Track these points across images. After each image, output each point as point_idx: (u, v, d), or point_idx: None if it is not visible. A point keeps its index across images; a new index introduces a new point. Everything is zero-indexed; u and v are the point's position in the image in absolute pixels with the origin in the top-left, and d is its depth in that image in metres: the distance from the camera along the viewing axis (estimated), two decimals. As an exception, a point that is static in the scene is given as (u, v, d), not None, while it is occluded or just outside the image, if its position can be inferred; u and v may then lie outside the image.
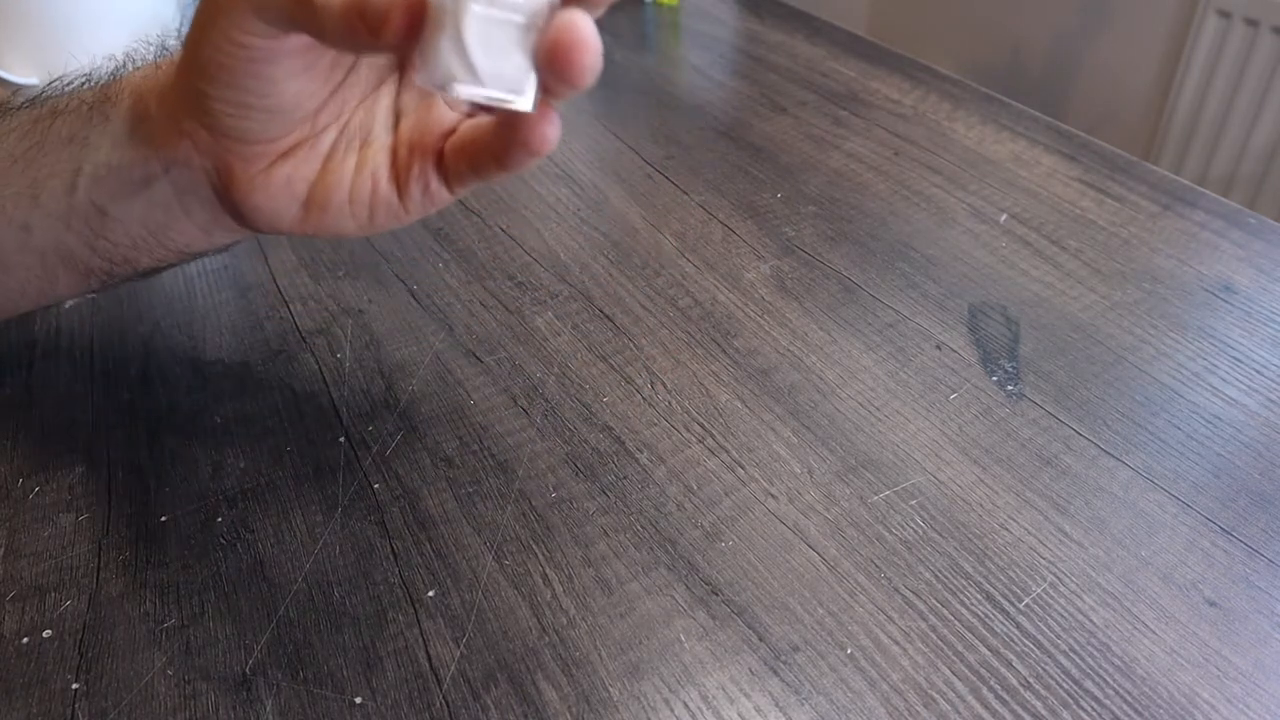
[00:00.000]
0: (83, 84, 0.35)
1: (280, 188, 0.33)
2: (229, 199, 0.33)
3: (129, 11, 0.65)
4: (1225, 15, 1.35)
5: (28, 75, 0.62)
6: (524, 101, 0.24)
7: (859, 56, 0.73)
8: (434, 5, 0.23)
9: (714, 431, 0.38)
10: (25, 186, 0.34)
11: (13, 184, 0.34)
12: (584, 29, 0.24)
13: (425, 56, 0.23)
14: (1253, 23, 1.32)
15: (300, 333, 0.44)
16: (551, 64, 0.24)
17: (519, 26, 0.23)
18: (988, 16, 1.74)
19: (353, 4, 0.24)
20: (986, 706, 0.28)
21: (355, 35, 0.25)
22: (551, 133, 0.27)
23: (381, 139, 0.33)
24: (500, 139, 0.29)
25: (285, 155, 0.32)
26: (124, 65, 0.34)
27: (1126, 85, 1.55)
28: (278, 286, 0.48)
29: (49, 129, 0.34)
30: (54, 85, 0.35)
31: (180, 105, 0.32)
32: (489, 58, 0.23)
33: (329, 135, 0.32)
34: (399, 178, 0.33)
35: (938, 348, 0.42)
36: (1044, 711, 0.28)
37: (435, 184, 0.33)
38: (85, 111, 0.33)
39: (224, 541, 0.34)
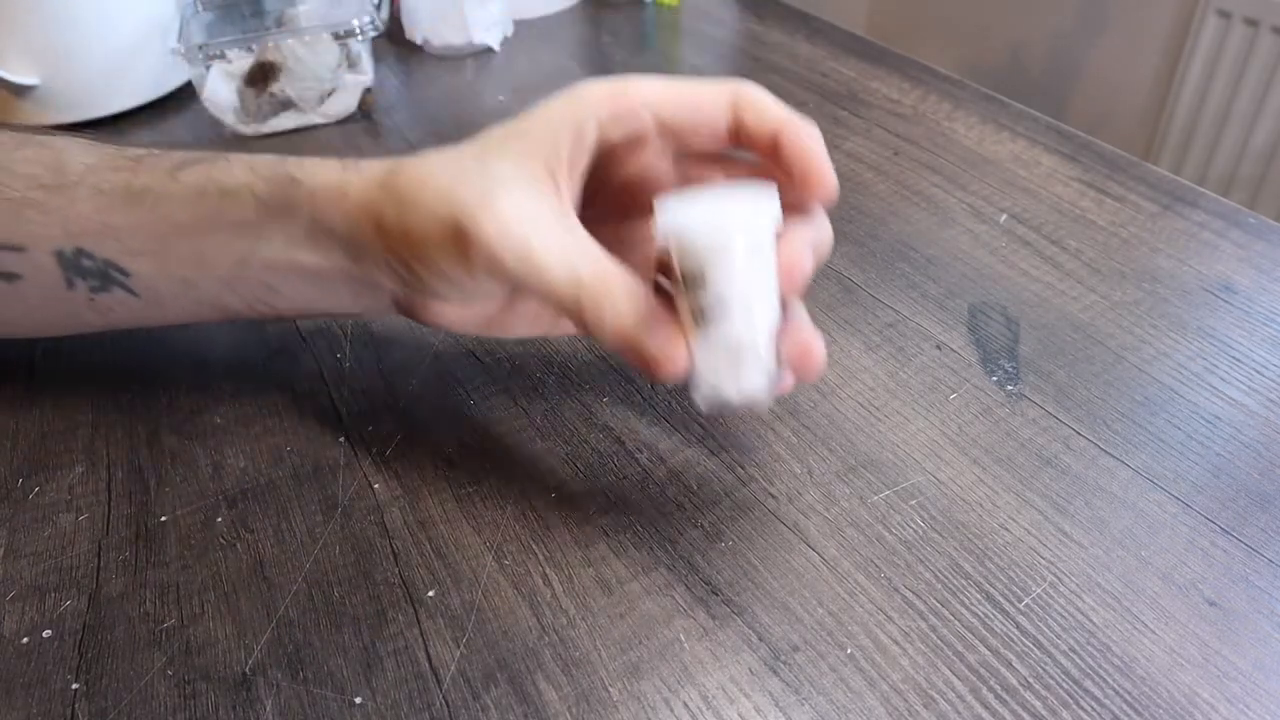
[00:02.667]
0: (245, 166, 0.35)
1: (473, 313, 0.35)
2: (413, 313, 0.35)
3: (128, 12, 0.65)
4: (1225, 15, 1.35)
5: (28, 75, 0.62)
6: (768, 399, 0.29)
7: (859, 56, 0.73)
8: (706, 340, 0.27)
9: (714, 432, 0.38)
10: (191, 253, 0.35)
11: (177, 249, 0.35)
12: (814, 345, 0.29)
13: (695, 382, 0.28)
14: (1253, 23, 1.32)
15: (300, 333, 0.44)
16: (798, 373, 0.29)
17: (769, 347, 0.28)
18: (988, 16, 1.74)
19: (631, 348, 0.28)
20: (986, 706, 0.28)
21: (632, 363, 0.29)
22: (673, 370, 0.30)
23: None
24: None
25: None
26: (294, 167, 0.34)
27: (1126, 85, 1.55)
28: (278, 286, 0.48)
29: (216, 208, 0.34)
30: (205, 154, 0.36)
31: (386, 266, 0.33)
32: (749, 374, 0.28)
33: None
34: None
35: (938, 348, 0.42)
36: (1044, 711, 0.28)
37: None
38: (256, 205, 0.34)
39: (224, 541, 0.34)
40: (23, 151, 0.35)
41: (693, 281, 0.27)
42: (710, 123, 0.31)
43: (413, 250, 0.31)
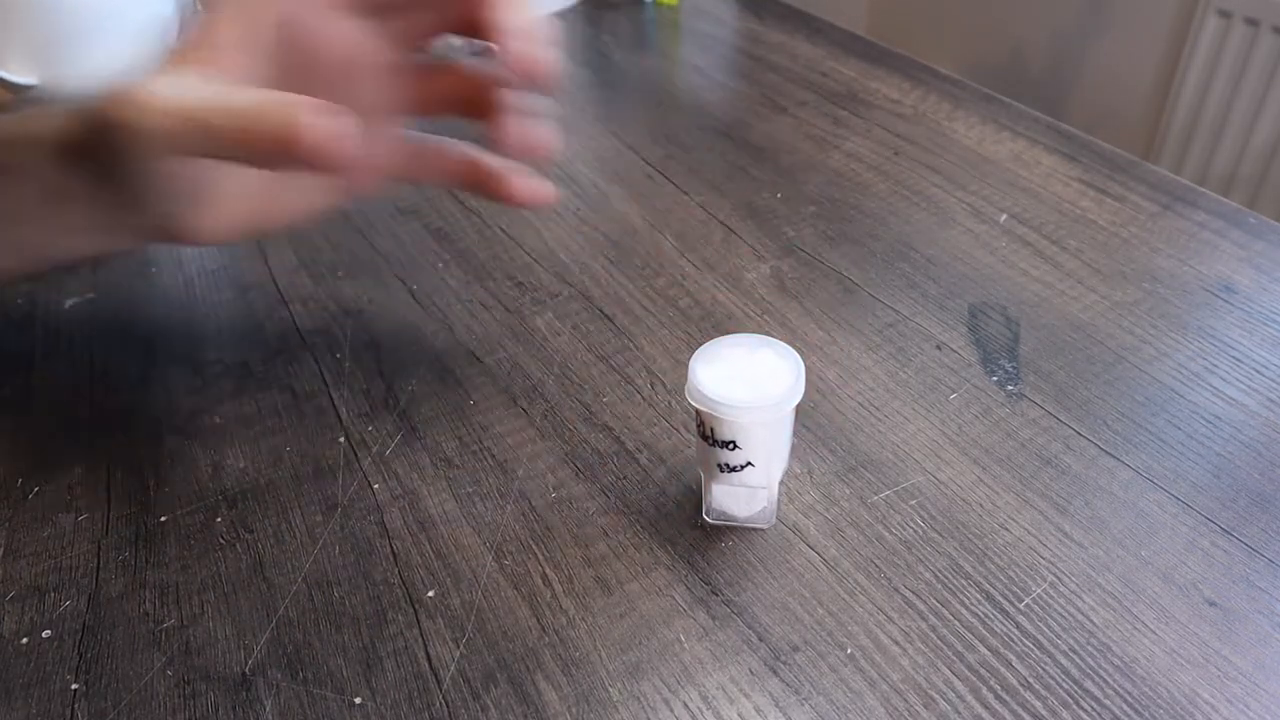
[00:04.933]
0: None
1: (228, 213, 0.33)
2: (171, 234, 0.33)
3: (128, 12, 0.65)
4: (1225, 15, 1.35)
5: (28, 75, 0.62)
6: (770, 521, 0.34)
7: (859, 56, 0.73)
8: (724, 479, 0.32)
9: (714, 431, 0.38)
10: None
11: None
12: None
13: (709, 504, 0.34)
14: (1253, 23, 1.32)
15: (300, 333, 0.44)
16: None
17: (763, 491, 0.33)
18: (988, 16, 1.74)
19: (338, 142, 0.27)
20: (986, 706, 0.28)
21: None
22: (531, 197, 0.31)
23: None
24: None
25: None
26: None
27: (1126, 85, 1.55)
28: (277, 287, 0.48)
29: None
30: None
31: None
32: (758, 504, 0.34)
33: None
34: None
35: (938, 348, 0.42)
36: (1044, 711, 0.28)
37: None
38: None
39: (224, 541, 0.34)
40: None
41: (723, 444, 0.30)
42: None
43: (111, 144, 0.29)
